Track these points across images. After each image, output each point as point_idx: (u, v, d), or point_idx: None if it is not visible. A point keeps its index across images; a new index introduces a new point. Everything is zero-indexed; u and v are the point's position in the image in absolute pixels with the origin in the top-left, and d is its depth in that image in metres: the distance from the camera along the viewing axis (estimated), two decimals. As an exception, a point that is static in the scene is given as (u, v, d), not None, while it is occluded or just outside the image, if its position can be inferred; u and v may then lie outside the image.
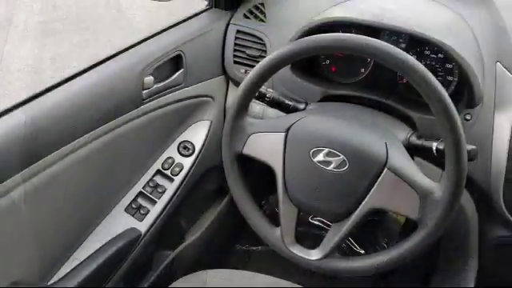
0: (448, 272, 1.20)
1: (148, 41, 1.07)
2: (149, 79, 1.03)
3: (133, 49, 1.04)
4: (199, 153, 1.19)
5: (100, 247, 1.02)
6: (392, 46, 0.76)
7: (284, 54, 0.82)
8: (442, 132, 0.74)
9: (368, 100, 1.03)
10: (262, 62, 0.84)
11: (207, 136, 1.21)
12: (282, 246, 0.88)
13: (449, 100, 0.73)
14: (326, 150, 0.81)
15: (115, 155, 1.04)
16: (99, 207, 1.06)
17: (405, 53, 0.75)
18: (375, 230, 1.45)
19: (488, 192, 0.95)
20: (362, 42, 0.77)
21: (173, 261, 1.31)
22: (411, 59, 0.75)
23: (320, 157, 0.82)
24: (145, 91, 1.03)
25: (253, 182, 0.93)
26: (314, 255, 0.86)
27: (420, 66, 0.74)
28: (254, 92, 0.88)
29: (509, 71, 0.94)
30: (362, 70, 1.11)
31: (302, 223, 1.50)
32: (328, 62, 1.13)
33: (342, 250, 1.52)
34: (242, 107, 0.88)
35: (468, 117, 0.96)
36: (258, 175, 1.04)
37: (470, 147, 0.82)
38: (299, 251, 0.87)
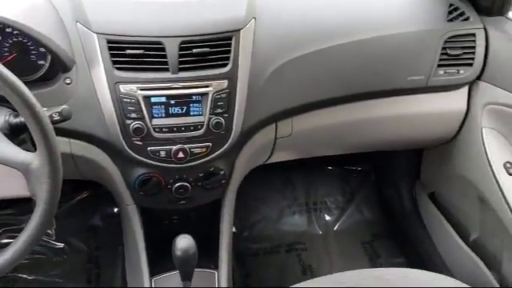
0: (123, 224, 1.26)
1: None
2: None
3: None
4: None
5: None
6: None
7: None
8: (18, 108, 0.73)
9: None
10: None
11: None
12: None
13: (11, 77, 0.71)
14: None
15: None
16: None
17: None
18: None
19: (113, 141, 1.01)
20: None
21: None
22: None
23: None
24: None
25: None
26: None
27: None
28: None
29: (88, 28, 0.99)
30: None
31: None
32: None
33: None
34: None
35: (68, 81, 0.98)
36: None
37: (61, 107, 0.83)
38: None
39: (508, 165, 1.17)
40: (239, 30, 1.02)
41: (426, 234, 1.57)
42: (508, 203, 1.14)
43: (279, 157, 1.33)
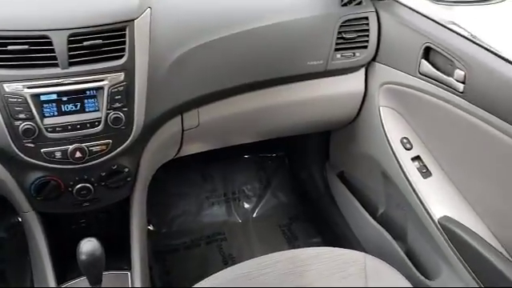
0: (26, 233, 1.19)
1: None
2: None
3: None
4: None
5: None
6: None
7: None
8: None
9: None
10: None
11: None
12: None
13: None
14: None
15: None
16: None
17: None
18: None
19: (0, 146, 0.94)
20: None
21: None
22: None
23: None
24: None
25: None
26: None
27: None
28: None
29: None
30: None
31: None
32: None
33: None
34: None
35: None
36: None
37: None
38: None
39: (404, 140, 1.24)
40: (133, 20, 0.98)
41: (339, 212, 1.64)
42: (406, 176, 1.21)
43: (190, 149, 1.31)
